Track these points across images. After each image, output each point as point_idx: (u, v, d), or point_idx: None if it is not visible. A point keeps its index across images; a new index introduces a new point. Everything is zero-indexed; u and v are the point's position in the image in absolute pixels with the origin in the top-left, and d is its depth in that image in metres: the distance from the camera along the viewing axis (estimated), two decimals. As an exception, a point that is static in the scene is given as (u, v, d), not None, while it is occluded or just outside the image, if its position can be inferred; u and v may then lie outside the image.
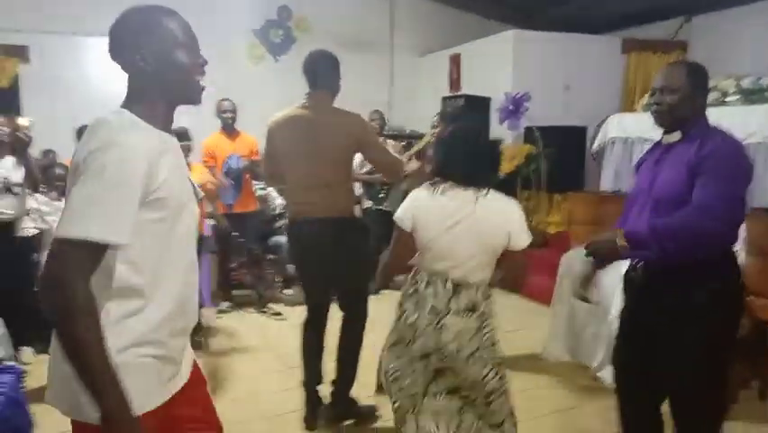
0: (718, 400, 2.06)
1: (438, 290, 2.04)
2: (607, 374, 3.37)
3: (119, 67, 1.35)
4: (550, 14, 7.38)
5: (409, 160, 5.09)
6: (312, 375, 2.99)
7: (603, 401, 3.15)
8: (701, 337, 1.92)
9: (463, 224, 2.00)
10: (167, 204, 1.27)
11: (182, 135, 4.04)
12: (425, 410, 2.10)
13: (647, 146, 2.42)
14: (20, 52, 5.81)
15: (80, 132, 4.11)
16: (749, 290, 2.86)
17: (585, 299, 2.23)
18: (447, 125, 2.25)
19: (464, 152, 2.06)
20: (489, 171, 2.13)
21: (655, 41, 6.54)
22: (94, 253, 1.16)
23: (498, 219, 2.02)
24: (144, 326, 1.28)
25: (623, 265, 2.19)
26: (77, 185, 1.18)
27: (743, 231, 2.85)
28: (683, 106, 1.97)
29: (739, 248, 2.14)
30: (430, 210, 2.04)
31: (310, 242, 2.81)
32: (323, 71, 2.79)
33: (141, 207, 1.22)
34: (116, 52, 1.33)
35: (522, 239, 2.04)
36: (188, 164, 4.12)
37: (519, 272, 2.19)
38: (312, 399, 2.99)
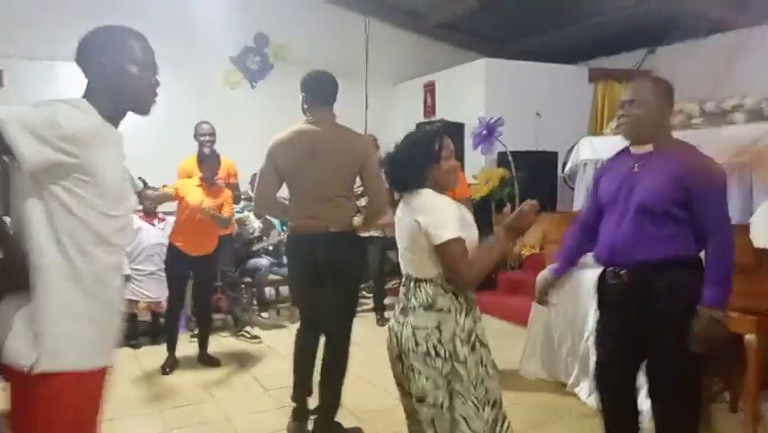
0: (697, 405, 2.13)
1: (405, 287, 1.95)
2: (582, 391, 3.41)
3: (82, 72, 1.54)
4: (521, 45, 7.63)
5: None
6: (303, 384, 2.93)
7: (577, 417, 3.20)
8: (683, 340, 1.96)
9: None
10: (99, 183, 1.42)
11: (212, 157, 4.16)
12: None
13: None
14: (-7, 76, 5.73)
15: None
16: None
17: (545, 303, 2.50)
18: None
19: (387, 163, 1.98)
20: (411, 172, 1.90)
21: (621, 70, 6.80)
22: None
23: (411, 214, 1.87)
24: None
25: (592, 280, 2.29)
26: None
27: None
28: (650, 119, 2.05)
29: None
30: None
31: (313, 255, 2.80)
32: (326, 87, 2.88)
33: (68, 176, 1.37)
34: (82, 59, 1.54)
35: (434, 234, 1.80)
36: (215, 182, 4.16)
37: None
38: (300, 414, 2.94)
